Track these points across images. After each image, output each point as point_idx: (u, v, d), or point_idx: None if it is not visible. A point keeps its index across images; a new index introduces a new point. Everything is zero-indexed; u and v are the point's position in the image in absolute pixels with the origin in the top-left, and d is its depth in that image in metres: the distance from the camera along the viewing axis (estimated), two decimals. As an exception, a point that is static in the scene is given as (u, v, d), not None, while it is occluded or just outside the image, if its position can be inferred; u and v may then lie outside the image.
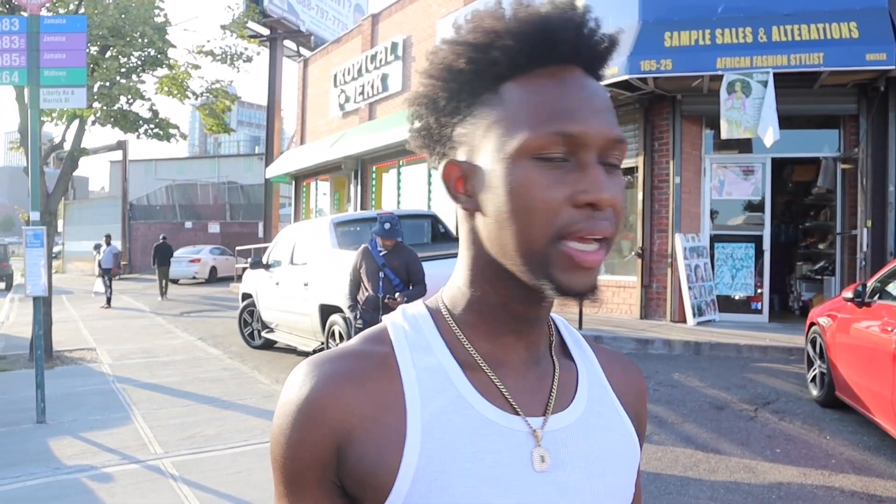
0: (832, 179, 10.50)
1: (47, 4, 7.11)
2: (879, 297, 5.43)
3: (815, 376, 6.40)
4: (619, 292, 11.26)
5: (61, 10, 9.96)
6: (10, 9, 9.36)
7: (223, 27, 13.03)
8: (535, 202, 0.68)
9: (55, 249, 28.11)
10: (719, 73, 8.96)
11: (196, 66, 11.84)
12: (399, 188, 17.30)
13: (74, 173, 11.33)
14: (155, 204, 37.77)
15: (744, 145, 10.38)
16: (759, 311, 10.39)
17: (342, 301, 7.09)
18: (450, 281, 0.81)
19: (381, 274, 6.01)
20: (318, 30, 27.73)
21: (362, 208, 17.91)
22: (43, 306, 6.92)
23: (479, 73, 0.72)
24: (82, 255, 35.32)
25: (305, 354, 8.48)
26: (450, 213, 10.80)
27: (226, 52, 12.51)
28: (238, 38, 13.09)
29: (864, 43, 8.57)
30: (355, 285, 6.24)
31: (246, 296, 10.88)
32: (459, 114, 0.75)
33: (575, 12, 0.71)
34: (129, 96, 10.63)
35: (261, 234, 27.72)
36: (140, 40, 10.54)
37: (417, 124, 0.79)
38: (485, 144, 0.72)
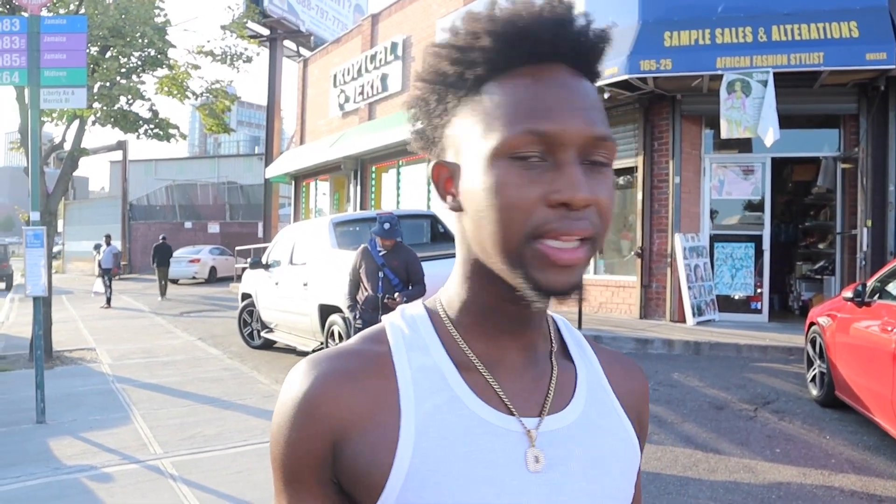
0: (832, 179, 10.50)
1: (48, 5, 7.10)
2: (879, 297, 5.43)
3: (814, 376, 6.40)
4: (618, 292, 11.26)
5: (62, 11, 9.95)
6: (10, 9, 9.36)
7: (223, 27, 13.03)
8: (508, 201, 0.68)
9: (55, 249, 28.14)
10: (719, 72, 8.96)
11: (196, 67, 11.84)
12: (398, 188, 17.30)
13: (74, 173, 11.33)
14: (155, 204, 37.78)
15: (743, 145, 10.38)
16: (759, 311, 10.39)
17: (341, 301, 7.10)
18: (447, 281, 0.81)
19: (381, 274, 6.01)
20: (318, 30, 27.73)
21: (362, 208, 17.92)
22: (43, 306, 6.92)
23: (462, 74, 0.73)
24: (82, 255, 35.33)
25: (305, 354, 8.46)
26: (448, 214, 10.80)
27: (226, 53, 12.51)
28: (238, 38, 13.08)
29: (864, 42, 8.58)
30: (355, 285, 6.24)
31: (245, 296, 10.88)
32: (448, 115, 0.75)
33: (554, 10, 0.71)
34: (129, 96, 10.63)
35: (260, 234, 27.72)
36: (140, 40, 10.54)
37: (415, 126, 0.80)
38: (467, 145, 0.73)
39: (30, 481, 4.74)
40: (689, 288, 9.93)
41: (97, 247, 19.69)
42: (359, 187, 18.55)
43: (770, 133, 8.66)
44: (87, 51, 8.19)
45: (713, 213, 10.80)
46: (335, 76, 19.78)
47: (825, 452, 5.07)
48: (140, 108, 11.07)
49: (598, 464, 0.76)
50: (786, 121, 8.95)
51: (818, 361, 6.33)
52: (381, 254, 6.05)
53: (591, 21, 0.73)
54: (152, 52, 10.88)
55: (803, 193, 11.82)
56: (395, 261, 6.03)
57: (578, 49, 0.72)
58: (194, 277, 27.11)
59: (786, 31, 8.92)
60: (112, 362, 9.44)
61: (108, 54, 10.43)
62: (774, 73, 8.69)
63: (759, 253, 10.38)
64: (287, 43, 27.92)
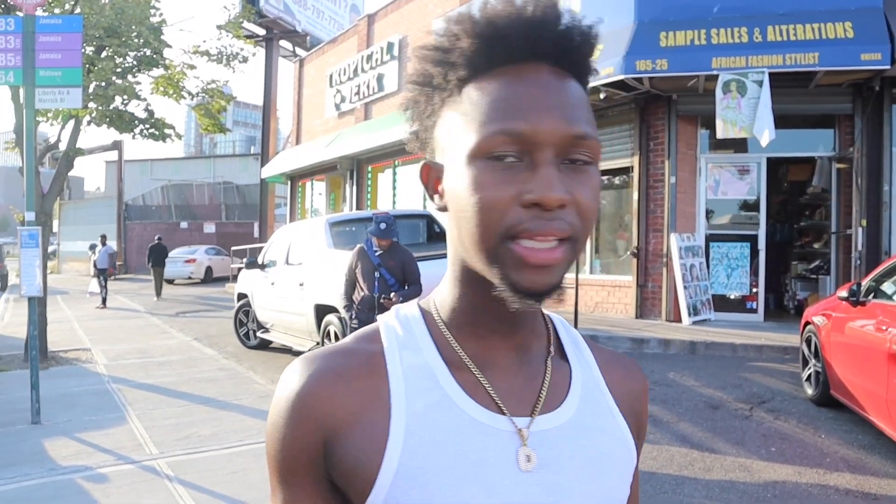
0: (827, 179, 10.52)
1: (43, 4, 7.08)
2: (874, 297, 5.45)
3: (810, 375, 6.42)
4: (614, 292, 11.27)
5: (57, 11, 9.93)
6: (5, 8, 9.34)
7: (219, 27, 13.00)
8: (483, 201, 0.68)
9: (50, 249, 28.05)
10: (715, 72, 8.98)
11: (192, 67, 11.82)
12: (395, 188, 17.30)
13: (70, 173, 11.30)
14: (150, 204, 37.68)
15: (739, 145, 10.40)
16: (755, 311, 10.41)
17: (337, 301, 7.10)
18: (441, 281, 0.82)
19: (377, 274, 6.01)
20: (314, 30, 27.71)
21: (358, 208, 17.91)
22: (38, 307, 6.91)
23: (445, 76, 0.74)
24: (78, 255, 35.22)
25: (301, 355, 8.47)
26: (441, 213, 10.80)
27: (221, 53, 12.48)
28: (234, 38, 13.06)
29: (859, 43, 8.60)
30: (351, 285, 6.24)
31: (241, 296, 10.87)
32: (434, 116, 0.76)
33: (535, 9, 0.70)
34: (125, 96, 10.61)
35: (256, 235, 27.68)
36: (136, 40, 10.52)
37: (411, 128, 0.81)
38: (449, 145, 0.73)
39: (25, 482, 4.73)
40: (685, 288, 9.95)
41: (92, 247, 19.65)
42: (355, 187, 18.54)
43: (765, 133, 8.68)
44: (83, 50, 8.17)
45: (709, 213, 10.82)
46: (331, 76, 19.77)
47: (820, 451, 5.09)
48: (136, 108, 11.05)
49: (592, 464, 0.76)
50: (781, 121, 8.97)
51: (813, 361, 6.35)
52: (377, 254, 6.05)
53: (573, 19, 0.72)
54: (148, 52, 10.86)
55: (798, 193, 11.84)
56: (391, 261, 6.03)
57: (561, 47, 0.71)
58: (190, 277, 27.06)
59: (781, 32, 8.94)
60: (107, 362, 9.42)
61: (104, 54, 10.41)
62: (770, 74, 8.70)
63: (754, 252, 10.40)
64: (283, 43, 27.90)
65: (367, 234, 6.24)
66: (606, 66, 9.24)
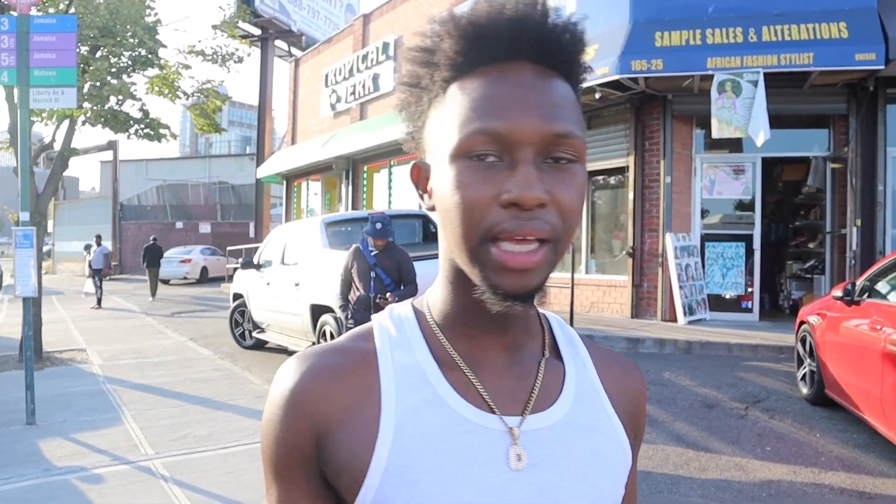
0: (822, 179, 10.55)
1: (37, 4, 7.06)
2: (868, 296, 5.46)
3: (804, 374, 6.44)
4: (609, 291, 11.29)
5: (51, 10, 9.90)
6: (-1, 8, 9.31)
7: (214, 27, 12.99)
8: (464, 201, 0.68)
9: (45, 250, 27.94)
10: (710, 72, 8.99)
11: (187, 66, 11.81)
12: (390, 188, 17.30)
13: (64, 173, 11.26)
14: (145, 204, 37.62)
15: (734, 145, 10.43)
16: (750, 310, 10.43)
17: (333, 301, 7.09)
18: (434, 281, 0.82)
19: (373, 274, 6.01)
20: (310, 30, 27.68)
21: (353, 208, 17.90)
22: (33, 307, 6.89)
23: (431, 77, 0.74)
24: (72, 255, 35.13)
25: (297, 354, 8.46)
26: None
27: (216, 53, 12.47)
28: (229, 38, 13.05)
29: (854, 43, 8.62)
30: (346, 285, 6.24)
31: (237, 296, 10.85)
32: (423, 117, 0.77)
33: (516, 8, 0.70)
34: (120, 96, 10.58)
35: (252, 235, 27.65)
36: (131, 40, 10.50)
37: (406, 129, 0.81)
38: (434, 146, 0.74)
39: (20, 483, 4.72)
40: (681, 287, 9.97)
41: (87, 247, 19.58)
42: (350, 187, 18.53)
43: (760, 133, 8.70)
44: (77, 50, 8.15)
45: (704, 213, 10.84)
46: (327, 76, 19.76)
47: (815, 450, 5.10)
48: (130, 108, 11.03)
49: (584, 463, 0.76)
50: (776, 121, 8.99)
51: (808, 360, 6.36)
52: (372, 254, 6.05)
53: (556, 16, 0.72)
54: (143, 52, 10.84)
55: (793, 193, 11.88)
56: (386, 261, 6.03)
57: (543, 45, 0.71)
58: (185, 278, 27.03)
59: (776, 32, 8.96)
60: (103, 363, 9.40)
61: (99, 54, 10.39)
62: (765, 74, 8.73)
63: (749, 252, 10.43)
64: (278, 43, 27.86)
65: (362, 233, 6.23)
66: (602, 66, 9.25)
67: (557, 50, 0.72)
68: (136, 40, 10.50)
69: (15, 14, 6.79)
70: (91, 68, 9.93)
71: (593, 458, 0.77)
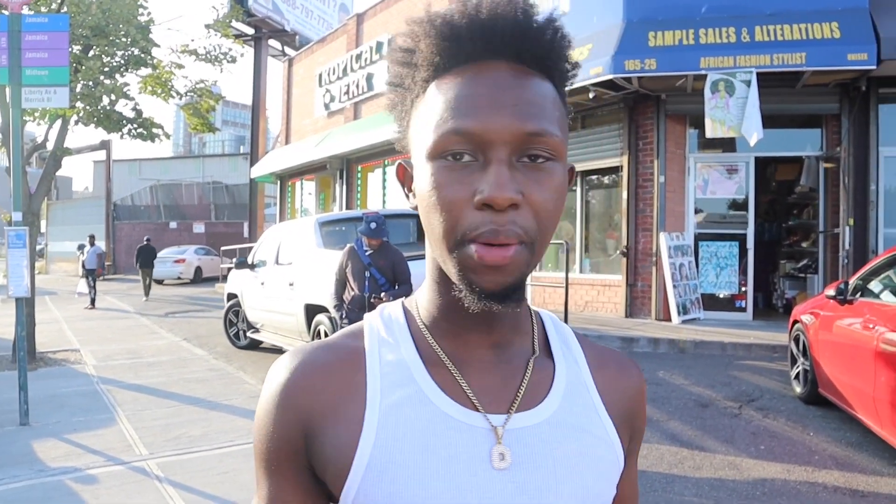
0: (815, 178, 10.60)
1: (29, 3, 7.03)
2: (861, 295, 5.48)
3: (798, 373, 6.46)
4: (604, 291, 11.31)
5: (43, 9, 9.86)
6: (-9, 7, 9.26)
7: (207, 26, 12.95)
8: (440, 201, 0.69)
9: (38, 249, 27.84)
10: (703, 72, 9.02)
11: (180, 66, 11.77)
12: (384, 188, 17.29)
13: (57, 173, 11.22)
14: (139, 204, 37.50)
15: (727, 144, 10.46)
16: (744, 310, 10.46)
17: (328, 301, 7.09)
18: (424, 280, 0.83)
19: (367, 273, 6.01)
20: (303, 29, 27.65)
21: (348, 208, 17.89)
22: (26, 307, 6.87)
23: (412, 77, 0.75)
24: (66, 255, 35.03)
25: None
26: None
27: (210, 52, 12.43)
28: (222, 37, 13.01)
29: (846, 43, 8.66)
30: (341, 285, 6.24)
31: (231, 296, 10.83)
32: (407, 117, 0.78)
33: (492, 7, 0.71)
34: (113, 96, 10.55)
35: (246, 234, 27.59)
36: (123, 39, 10.46)
37: (395, 128, 0.82)
38: (414, 146, 0.75)
39: (13, 484, 4.70)
40: (674, 287, 9.99)
41: (81, 247, 19.54)
42: (344, 187, 18.51)
43: (754, 133, 8.73)
44: (70, 50, 8.12)
45: (698, 212, 10.87)
46: (320, 76, 19.73)
47: (809, 449, 5.12)
48: (124, 108, 10.99)
49: (570, 462, 0.75)
50: (769, 120, 9.03)
51: (802, 359, 6.39)
52: (367, 253, 6.05)
53: (535, 15, 0.72)
54: (136, 52, 10.80)
55: (786, 192, 11.92)
56: (381, 260, 6.03)
57: (520, 44, 0.71)
58: (179, 278, 26.96)
59: (769, 32, 8.99)
60: (96, 363, 9.37)
61: (91, 53, 10.35)
62: (758, 73, 8.76)
63: (743, 251, 10.46)
64: (272, 42, 27.82)
65: (357, 233, 6.23)
66: (595, 66, 9.27)
67: (536, 48, 0.72)
68: (129, 39, 10.46)
69: (6, 13, 6.76)
70: (83, 68, 9.89)
71: (580, 458, 0.76)
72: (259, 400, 0.78)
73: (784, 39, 8.91)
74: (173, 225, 34.68)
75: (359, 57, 17.81)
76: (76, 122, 10.67)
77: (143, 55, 10.88)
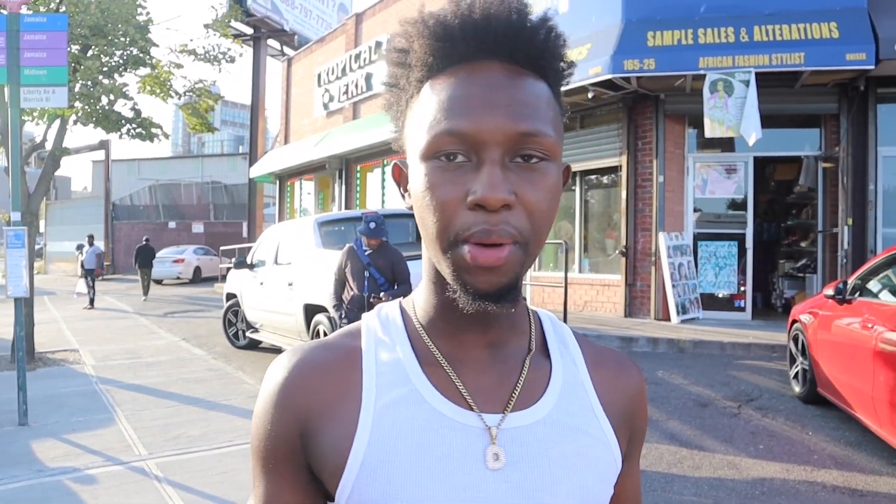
0: (813, 178, 10.60)
1: (28, 2, 7.02)
2: (860, 295, 5.49)
3: (797, 373, 6.46)
4: (603, 290, 11.31)
5: (42, 9, 9.85)
6: (-11, 7, 9.25)
7: (206, 26, 12.94)
8: (433, 202, 0.69)
9: (36, 249, 27.83)
10: (702, 72, 9.03)
11: (179, 66, 11.77)
12: (384, 187, 17.28)
13: (56, 173, 11.21)
14: (138, 204, 37.48)
15: (726, 144, 10.46)
16: (743, 309, 10.47)
17: (327, 301, 7.09)
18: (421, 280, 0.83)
19: (367, 273, 6.01)
20: (302, 29, 27.64)
21: (347, 208, 17.89)
22: (25, 307, 6.86)
23: (407, 77, 0.75)
24: (65, 255, 35.00)
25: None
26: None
27: (208, 52, 12.42)
28: (221, 37, 13.00)
29: (844, 43, 8.67)
30: (340, 285, 6.24)
31: (230, 296, 10.83)
32: (403, 117, 0.78)
33: (485, 7, 0.71)
34: (112, 96, 10.54)
35: (245, 234, 27.59)
36: (122, 39, 10.46)
37: (392, 128, 0.82)
38: (410, 146, 0.75)
39: (12, 484, 4.70)
40: (674, 286, 9.99)
41: (80, 247, 19.52)
42: (343, 187, 18.51)
43: (752, 132, 8.74)
44: (68, 49, 8.11)
45: (697, 212, 10.87)
46: (319, 75, 19.72)
47: (808, 448, 5.13)
48: (122, 108, 10.98)
49: (565, 462, 0.75)
50: (768, 120, 9.03)
51: (801, 358, 6.39)
52: (366, 253, 6.04)
53: (529, 15, 0.72)
54: (134, 51, 10.79)
55: (785, 192, 11.93)
56: (380, 260, 6.03)
57: (513, 44, 0.71)
58: (178, 278, 26.95)
59: (767, 32, 9.00)
60: (95, 363, 9.36)
61: (90, 53, 10.34)
62: (756, 73, 8.76)
63: (742, 251, 10.46)
64: (271, 42, 27.82)
65: (356, 233, 6.23)
66: (594, 66, 9.27)
67: (529, 48, 0.72)
68: (128, 39, 10.45)
69: (5, 12, 6.75)
70: (82, 67, 9.88)
71: (576, 458, 0.76)
72: (258, 399, 0.78)
73: (783, 39, 8.92)
74: (172, 225, 34.67)
75: (358, 57, 17.81)
76: (75, 122, 10.66)
77: (141, 55, 10.87)
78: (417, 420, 0.72)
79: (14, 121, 6.73)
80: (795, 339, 6.59)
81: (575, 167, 11.42)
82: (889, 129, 9.80)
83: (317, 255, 8.11)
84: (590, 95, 9.92)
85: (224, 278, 16.14)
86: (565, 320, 9.49)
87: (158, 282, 25.71)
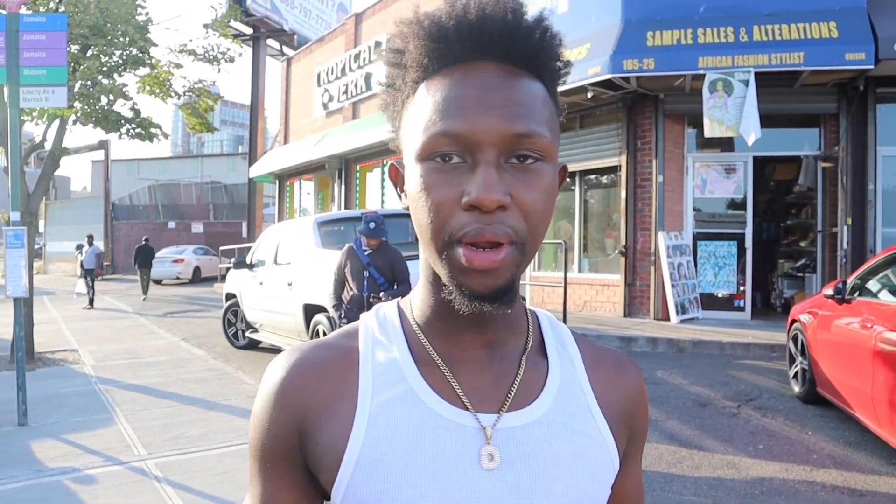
0: (813, 178, 10.60)
1: (27, 2, 7.02)
2: (859, 294, 5.49)
3: (796, 373, 6.46)
4: (602, 290, 11.31)
5: (41, 9, 9.85)
6: (-12, 7, 9.25)
7: (206, 26, 12.94)
8: (429, 203, 0.69)
9: (36, 249, 27.83)
10: (701, 72, 9.03)
11: (178, 66, 11.76)
12: (383, 187, 17.28)
13: (56, 173, 11.21)
14: (137, 204, 37.46)
15: (726, 144, 10.47)
16: (742, 309, 10.47)
17: (326, 300, 7.09)
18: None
19: (366, 273, 6.01)
20: (302, 29, 27.64)
21: (346, 208, 17.89)
22: (24, 307, 6.86)
23: (403, 78, 0.75)
24: (64, 255, 34.97)
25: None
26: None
27: (208, 52, 12.42)
28: (221, 37, 13.00)
29: (844, 43, 8.67)
30: (340, 285, 6.24)
31: (230, 296, 10.83)
32: (400, 117, 0.78)
33: (480, 7, 0.71)
34: (111, 96, 10.53)
35: (244, 234, 27.58)
36: (121, 39, 10.45)
37: (389, 129, 0.82)
38: (406, 146, 0.75)
39: (11, 484, 4.70)
40: (673, 286, 10.00)
41: (79, 247, 19.51)
42: (343, 186, 18.51)
43: (752, 132, 8.74)
44: (68, 49, 8.11)
45: (696, 212, 10.88)
46: (319, 75, 19.72)
47: (807, 448, 5.13)
48: (122, 108, 10.98)
49: (560, 463, 0.75)
50: (767, 120, 9.03)
51: (800, 358, 6.39)
52: (366, 253, 6.05)
53: (524, 15, 0.72)
54: (134, 51, 10.79)
55: (785, 192, 11.93)
56: (380, 260, 6.03)
57: (508, 45, 0.71)
58: (178, 278, 26.95)
59: (767, 32, 9.00)
60: (95, 363, 9.36)
61: (89, 53, 10.34)
62: (756, 73, 8.77)
63: (741, 251, 10.47)
64: (270, 42, 27.81)
65: (356, 233, 6.23)
66: (593, 66, 9.28)
67: (525, 48, 0.71)
68: (127, 39, 10.45)
69: (4, 12, 6.75)
70: (82, 67, 9.88)
71: (572, 458, 0.76)
72: (256, 398, 0.78)
73: (782, 39, 8.92)
74: (172, 225, 34.66)
75: (357, 56, 17.81)
76: (74, 122, 10.66)
77: (141, 55, 10.87)
78: (412, 419, 0.73)
79: (13, 121, 6.73)
80: (795, 339, 6.59)
81: (574, 167, 11.42)
82: (888, 128, 9.80)
83: (316, 254, 8.11)
84: (589, 95, 9.92)
85: (223, 278, 16.14)
86: (565, 320, 9.49)
87: (158, 282, 25.71)
